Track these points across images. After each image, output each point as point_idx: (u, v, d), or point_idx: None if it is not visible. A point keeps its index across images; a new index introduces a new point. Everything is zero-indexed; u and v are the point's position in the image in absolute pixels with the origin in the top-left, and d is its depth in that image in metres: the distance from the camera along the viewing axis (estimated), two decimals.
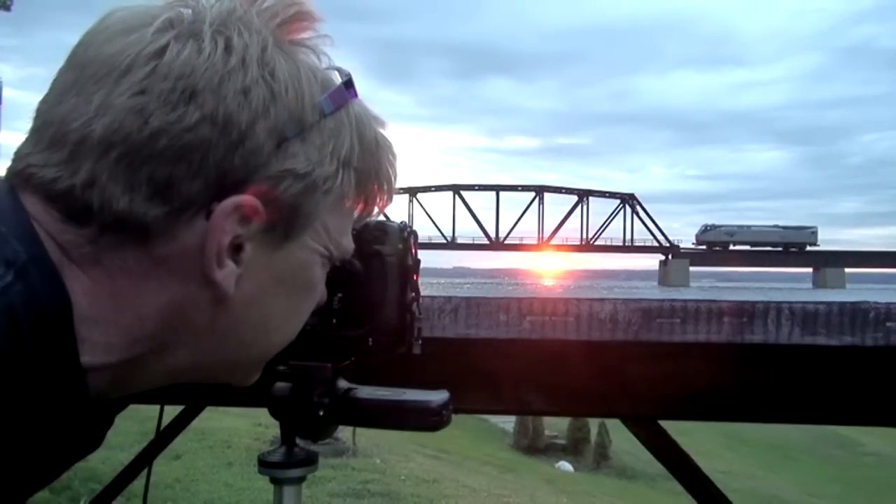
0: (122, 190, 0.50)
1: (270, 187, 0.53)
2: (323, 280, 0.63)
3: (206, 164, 0.51)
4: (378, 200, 0.66)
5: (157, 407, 1.17)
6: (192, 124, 0.50)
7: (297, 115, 0.55)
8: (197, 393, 1.16)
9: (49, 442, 0.52)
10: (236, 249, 0.54)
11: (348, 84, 0.60)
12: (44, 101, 0.54)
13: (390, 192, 0.66)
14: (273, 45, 0.54)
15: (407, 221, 0.75)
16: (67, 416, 0.51)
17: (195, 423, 1.25)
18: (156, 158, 0.50)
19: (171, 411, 1.30)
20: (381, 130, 0.65)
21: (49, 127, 0.52)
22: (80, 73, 0.52)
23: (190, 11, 0.53)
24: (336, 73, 0.60)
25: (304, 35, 0.58)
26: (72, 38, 0.56)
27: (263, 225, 0.54)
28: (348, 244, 0.64)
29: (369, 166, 0.62)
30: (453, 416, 0.72)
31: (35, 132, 0.53)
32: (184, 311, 0.54)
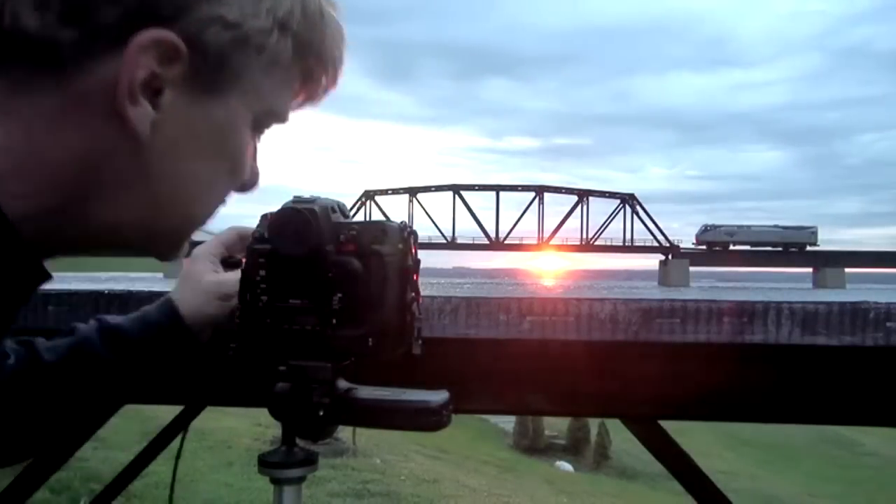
0: (33, 5, 0.47)
1: (196, 30, 0.51)
2: (248, 152, 0.61)
3: None
4: (320, 79, 0.63)
5: (158, 407, 1.17)
6: None
7: None
8: (197, 393, 1.16)
9: None
10: (154, 91, 0.51)
11: None
12: None
13: (334, 72, 0.64)
14: None
15: (407, 221, 0.75)
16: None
17: (195, 422, 1.25)
18: None
19: (171, 411, 1.30)
20: (332, 12, 0.62)
21: None
22: None
23: None
24: None
25: None
26: None
27: (185, 70, 0.51)
28: (281, 110, 0.61)
29: (311, 37, 0.59)
30: (453, 416, 0.72)
31: None
32: (101, 155, 0.52)
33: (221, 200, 0.61)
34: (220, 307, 0.82)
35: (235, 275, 0.79)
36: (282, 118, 0.62)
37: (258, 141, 0.62)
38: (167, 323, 0.82)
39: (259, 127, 0.60)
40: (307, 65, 0.61)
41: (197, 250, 0.87)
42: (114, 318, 0.82)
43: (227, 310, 0.82)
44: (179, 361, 0.84)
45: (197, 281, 0.84)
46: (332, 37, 0.62)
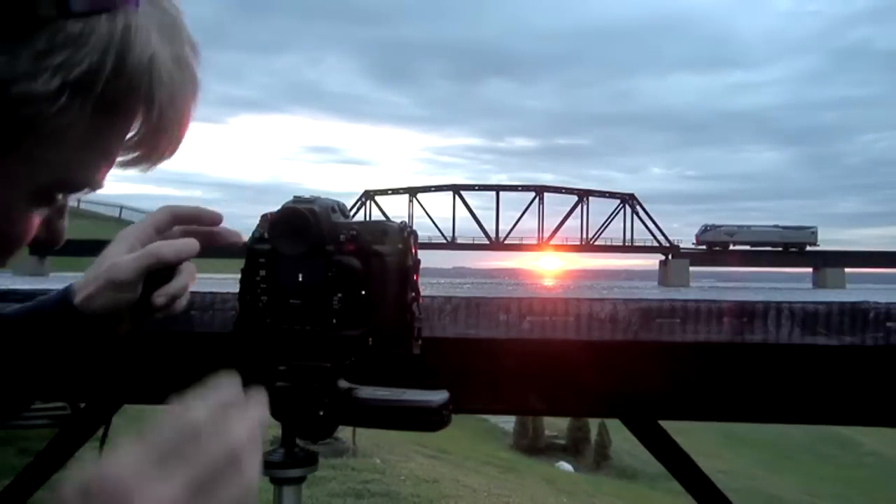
0: None
1: None
2: (26, 226, 0.52)
3: None
4: (152, 142, 0.54)
5: (157, 407, 1.17)
6: None
7: (16, 1, 0.43)
8: None
9: None
10: None
11: None
12: None
13: (170, 134, 0.54)
14: None
15: (407, 221, 0.75)
16: None
17: None
18: None
19: None
20: (184, 56, 0.52)
21: None
22: None
23: None
24: None
25: None
26: None
27: None
28: (81, 180, 0.52)
29: (129, 97, 0.49)
30: (453, 416, 0.72)
31: None
32: None
33: None
34: (112, 297, 0.72)
35: (132, 259, 0.71)
36: (85, 186, 0.52)
37: (64, 201, 0.54)
38: (57, 312, 0.73)
39: (47, 198, 0.52)
40: (123, 126, 0.52)
41: (122, 231, 0.76)
42: (12, 306, 0.75)
43: (121, 301, 0.72)
44: (76, 354, 0.74)
45: (99, 265, 0.74)
46: (170, 93, 0.51)
